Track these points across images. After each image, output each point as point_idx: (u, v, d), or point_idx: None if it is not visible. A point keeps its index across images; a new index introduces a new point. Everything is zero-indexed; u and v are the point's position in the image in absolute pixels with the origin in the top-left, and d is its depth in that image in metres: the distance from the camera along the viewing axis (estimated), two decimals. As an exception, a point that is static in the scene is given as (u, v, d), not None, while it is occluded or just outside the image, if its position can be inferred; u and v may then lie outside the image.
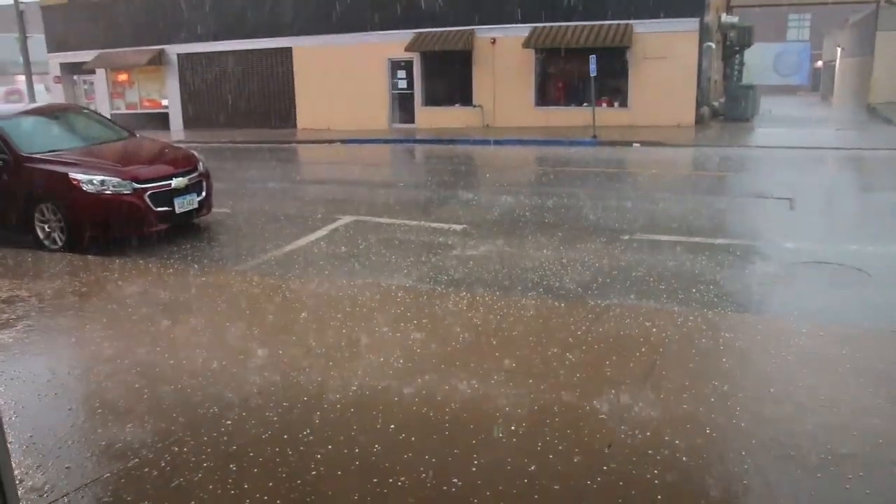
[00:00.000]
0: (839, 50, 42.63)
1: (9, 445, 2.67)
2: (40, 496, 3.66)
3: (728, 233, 9.22)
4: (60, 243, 8.84)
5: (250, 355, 5.24)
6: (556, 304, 6.25)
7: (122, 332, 5.84)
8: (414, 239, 9.13)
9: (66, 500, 3.64)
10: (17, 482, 3.54)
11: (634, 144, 19.29)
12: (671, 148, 18.87)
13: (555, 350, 5.12)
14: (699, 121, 23.04)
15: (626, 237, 8.77)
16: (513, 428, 4.05)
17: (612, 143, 19.50)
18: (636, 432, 3.98)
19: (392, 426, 4.14)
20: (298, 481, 3.67)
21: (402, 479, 3.64)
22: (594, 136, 20.05)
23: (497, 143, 21.26)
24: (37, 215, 8.95)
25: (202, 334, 5.72)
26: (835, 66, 44.46)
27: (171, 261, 8.26)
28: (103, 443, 4.17)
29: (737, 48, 31.91)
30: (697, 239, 8.60)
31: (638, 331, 5.44)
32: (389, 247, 8.73)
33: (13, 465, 2.84)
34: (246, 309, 6.29)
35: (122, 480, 3.77)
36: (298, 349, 5.32)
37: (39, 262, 8.09)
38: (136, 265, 7.86)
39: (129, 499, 3.61)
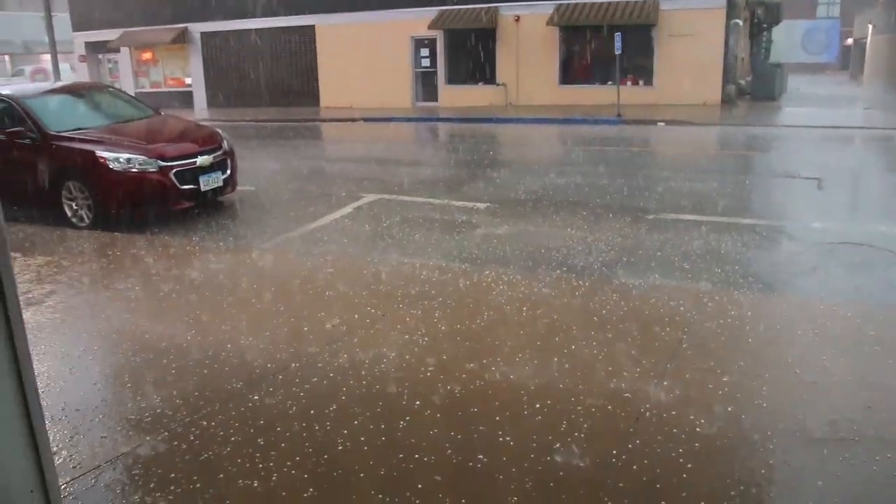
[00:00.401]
0: (870, 27, 41.77)
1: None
2: (74, 468, 3.73)
3: (754, 213, 9.13)
4: (88, 221, 8.94)
5: (276, 331, 5.29)
6: (581, 282, 6.23)
7: (149, 308, 5.91)
8: (438, 217, 9.13)
9: (98, 471, 3.72)
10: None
11: (659, 123, 19.09)
12: (697, 127, 18.66)
13: (579, 328, 5.12)
14: (725, 99, 22.73)
15: (651, 216, 8.71)
16: (537, 405, 4.06)
17: (637, 122, 19.31)
18: (661, 411, 3.97)
19: (417, 402, 4.17)
20: (325, 456, 3.71)
21: (428, 455, 3.67)
22: (619, 115, 19.86)
23: (520, 121, 21.14)
24: (64, 193, 9.04)
25: (229, 310, 5.78)
26: (865, 43, 43.60)
27: (197, 238, 8.33)
28: (133, 417, 4.24)
29: (764, 25, 31.39)
30: (723, 218, 8.52)
31: (663, 310, 5.42)
32: (413, 225, 8.73)
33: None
34: (271, 286, 6.34)
35: (152, 453, 3.84)
36: (324, 326, 5.36)
37: (67, 240, 8.19)
38: (163, 242, 7.94)
39: (159, 471, 3.67)
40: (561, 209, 9.29)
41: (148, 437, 3.99)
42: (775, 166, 13.22)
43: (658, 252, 7.27)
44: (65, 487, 3.49)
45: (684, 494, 3.30)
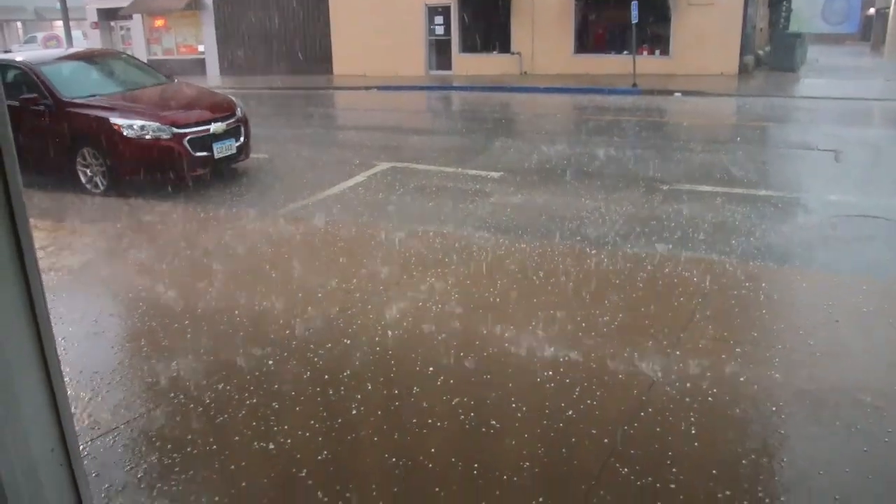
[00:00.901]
0: (892, -4, 40.95)
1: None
2: (92, 429, 3.79)
3: (770, 184, 9.05)
4: (102, 187, 8.98)
5: (291, 297, 5.32)
6: (594, 251, 6.22)
7: (163, 273, 5.96)
8: (451, 186, 9.11)
9: (116, 433, 3.77)
10: (69, 414, 3.67)
11: (676, 94, 18.89)
12: (713, 97, 18.45)
13: (592, 297, 5.12)
14: (743, 70, 22.44)
15: (666, 187, 8.66)
16: (550, 373, 4.08)
17: (653, 92, 19.12)
18: (674, 380, 3.98)
19: (431, 369, 4.19)
20: (339, 420, 3.75)
21: (441, 420, 3.70)
22: (634, 85, 19.65)
23: (535, 90, 20.97)
24: (79, 160, 9.08)
25: (243, 277, 5.81)
26: (888, 13, 42.80)
27: (211, 205, 8.35)
28: (149, 380, 4.29)
29: (784, -6, 30.82)
30: (739, 190, 8.45)
31: (677, 280, 5.41)
32: (427, 193, 8.72)
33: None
34: (285, 252, 6.37)
35: (169, 416, 3.89)
36: (338, 292, 5.39)
37: (82, 206, 8.24)
38: (177, 209, 7.98)
39: (175, 433, 3.73)
40: (575, 179, 9.24)
41: (164, 400, 4.04)
42: (792, 138, 13.09)
43: (672, 223, 7.23)
44: (84, 447, 3.54)
45: (695, 462, 3.32)
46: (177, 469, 3.44)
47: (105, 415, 3.94)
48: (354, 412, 3.80)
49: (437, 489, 3.19)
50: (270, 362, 4.36)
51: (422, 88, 23.19)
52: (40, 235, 6.89)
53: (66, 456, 2.90)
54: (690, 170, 9.74)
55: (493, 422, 3.64)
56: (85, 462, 3.46)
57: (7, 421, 2.64)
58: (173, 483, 3.35)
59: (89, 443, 3.63)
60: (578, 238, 6.82)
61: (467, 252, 6.23)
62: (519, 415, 3.71)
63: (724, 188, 8.54)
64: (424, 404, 3.84)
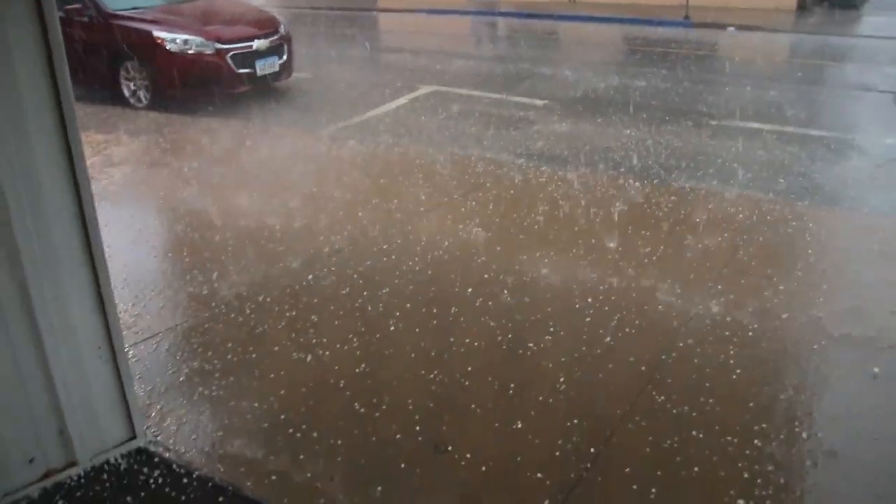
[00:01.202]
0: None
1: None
2: (135, 334, 3.88)
3: (824, 124, 8.75)
4: (145, 101, 8.99)
5: (332, 214, 5.33)
6: (638, 183, 6.11)
7: (206, 186, 6.00)
8: (494, 112, 8.97)
9: (158, 338, 3.86)
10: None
11: (729, 28, 18.22)
12: (769, 33, 17.76)
13: (634, 228, 5.05)
14: (802, 6, 21.50)
15: (715, 122, 8.43)
16: (589, 300, 4.06)
17: (705, 25, 18.45)
18: (714, 313, 3.94)
19: (469, 290, 4.20)
20: (377, 335, 3.79)
21: (478, 340, 3.72)
22: (686, 17, 18.98)
23: (583, 19, 20.38)
24: (122, 73, 9.07)
25: (284, 192, 5.82)
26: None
27: (253, 122, 8.34)
28: (192, 290, 4.36)
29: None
30: (791, 129, 8.19)
31: (721, 216, 5.30)
32: (469, 118, 8.60)
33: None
34: (327, 171, 6.36)
35: (209, 324, 3.97)
36: (379, 211, 5.38)
37: (126, 119, 8.29)
38: (219, 124, 7.98)
39: (216, 340, 3.80)
40: (621, 110, 9.03)
41: (206, 309, 4.11)
42: (850, 78, 12.59)
43: (719, 158, 7.06)
44: (127, 349, 3.62)
45: (731, 394, 3.30)
46: (217, 375, 3.52)
47: (148, 321, 4.03)
48: (392, 328, 3.84)
49: (472, 406, 3.23)
50: (310, 277, 4.40)
51: (467, 13, 22.65)
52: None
53: (112, 355, 2.98)
54: (741, 106, 9.43)
55: (531, 344, 3.65)
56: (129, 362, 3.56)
57: (57, 318, 2.71)
58: (214, 388, 3.43)
59: (132, 346, 3.71)
60: (622, 169, 6.69)
61: (508, 178, 6.16)
62: (556, 339, 3.71)
63: (775, 126, 8.27)
64: (462, 323, 3.85)
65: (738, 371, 3.45)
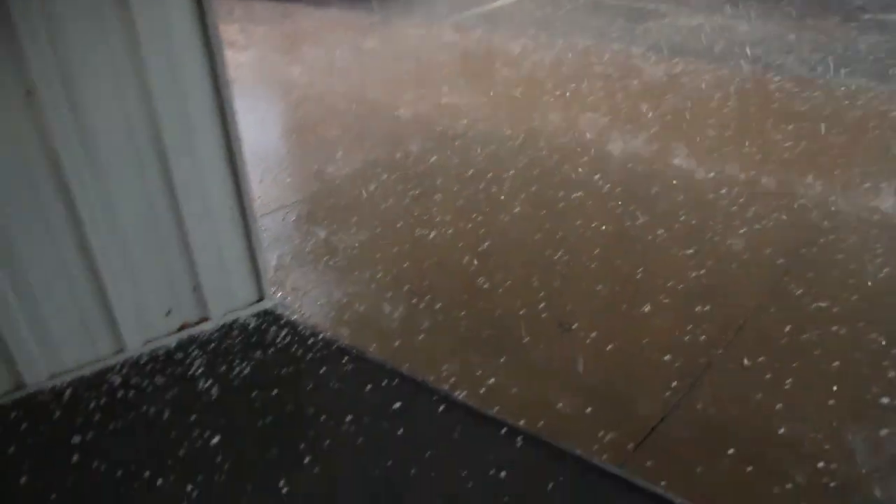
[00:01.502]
0: None
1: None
2: (263, 204, 3.98)
3: None
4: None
5: (456, 99, 5.25)
6: (778, 79, 5.69)
7: (331, 73, 6.01)
8: (622, 4, 8.50)
9: (285, 210, 3.95)
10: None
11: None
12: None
13: (774, 123, 4.74)
14: None
15: (868, 16, 7.71)
16: (724, 191, 3.86)
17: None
18: (860, 210, 3.68)
19: (596, 175, 4.07)
20: (502, 216, 3.75)
21: (606, 225, 3.62)
22: None
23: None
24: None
25: (407, 78, 5.77)
26: None
27: (373, 11, 8.23)
28: (316, 167, 4.42)
29: None
30: (955, 25, 7.42)
31: (872, 113, 4.89)
32: (596, 10, 8.20)
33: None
34: (449, 59, 6.24)
35: (334, 199, 4.02)
36: (502, 98, 5.28)
37: (251, 8, 8.34)
38: (339, 13, 7.92)
39: (341, 215, 3.86)
40: (760, 2, 8.39)
41: (330, 186, 4.16)
42: None
43: (870, 55, 6.46)
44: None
45: (877, 292, 3.09)
46: (342, 247, 3.58)
47: (276, 194, 4.12)
48: (518, 210, 3.78)
49: (598, 287, 3.16)
50: (433, 158, 4.37)
51: None
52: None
53: (244, 220, 3.06)
54: (898, 0, 8.60)
55: (661, 231, 3.52)
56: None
57: (193, 184, 2.79)
58: (338, 258, 3.49)
59: (262, 217, 3.80)
60: (762, 65, 6.25)
61: (638, 69, 5.87)
62: (687, 228, 3.57)
63: (938, 22, 7.52)
64: (590, 208, 3.75)
65: (886, 269, 3.22)
